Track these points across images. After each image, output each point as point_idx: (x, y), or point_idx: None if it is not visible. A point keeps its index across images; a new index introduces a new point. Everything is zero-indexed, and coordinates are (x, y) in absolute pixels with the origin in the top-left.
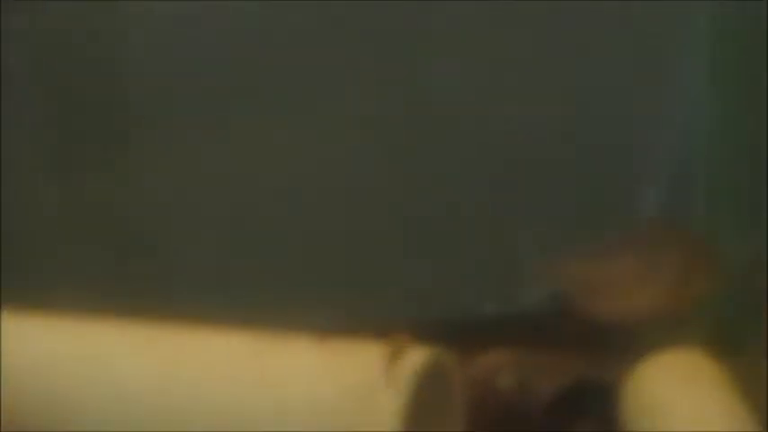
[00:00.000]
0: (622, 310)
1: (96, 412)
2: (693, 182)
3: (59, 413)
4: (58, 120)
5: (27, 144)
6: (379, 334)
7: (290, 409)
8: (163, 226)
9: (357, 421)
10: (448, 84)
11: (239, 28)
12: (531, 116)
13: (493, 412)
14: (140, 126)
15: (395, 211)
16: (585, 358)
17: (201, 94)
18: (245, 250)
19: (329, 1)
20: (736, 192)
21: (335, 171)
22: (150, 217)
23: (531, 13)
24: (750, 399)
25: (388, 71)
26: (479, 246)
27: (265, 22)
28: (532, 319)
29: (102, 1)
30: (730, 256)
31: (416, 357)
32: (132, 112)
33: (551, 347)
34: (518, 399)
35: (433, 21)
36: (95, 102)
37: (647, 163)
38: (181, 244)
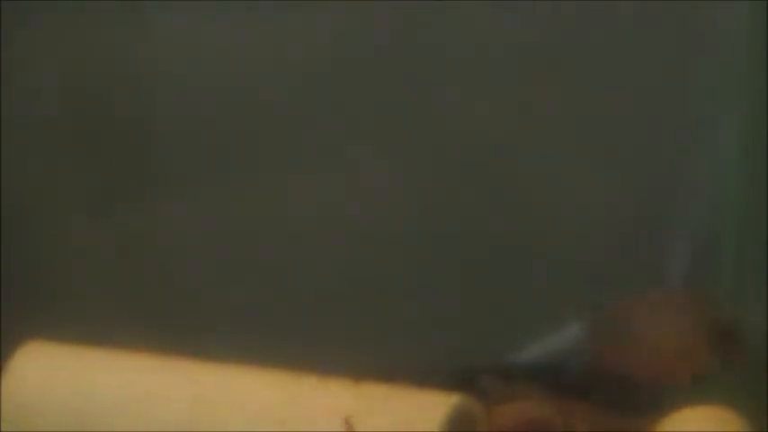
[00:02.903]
0: (647, 370)
1: None
2: (719, 253)
3: None
4: (87, 155)
5: (55, 178)
6: (409, 378)
7: None
8: (187, 263)
9: None
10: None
11: (268, 72)
12: (561, 176)
13: None
14: (167, 164)
15: (423, 258)
16: (612, 412)
17: (227, 137)
18: (266, 289)
19: (350, 46)
20: (761, 263)
21: (356, 215)
22: (175, 253)
23: (560, 74)
24: None
25: (399, 122)
26: (507, 298)
27: (292, 66)
28: (560, 371)
29: (132, 38)
30: (754, 327)
31: (448, 404)
32: (159, 152)
33: (578, 400)
34: None
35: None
36: (124, 138)
37: (674, 233)
38: (206, 282)
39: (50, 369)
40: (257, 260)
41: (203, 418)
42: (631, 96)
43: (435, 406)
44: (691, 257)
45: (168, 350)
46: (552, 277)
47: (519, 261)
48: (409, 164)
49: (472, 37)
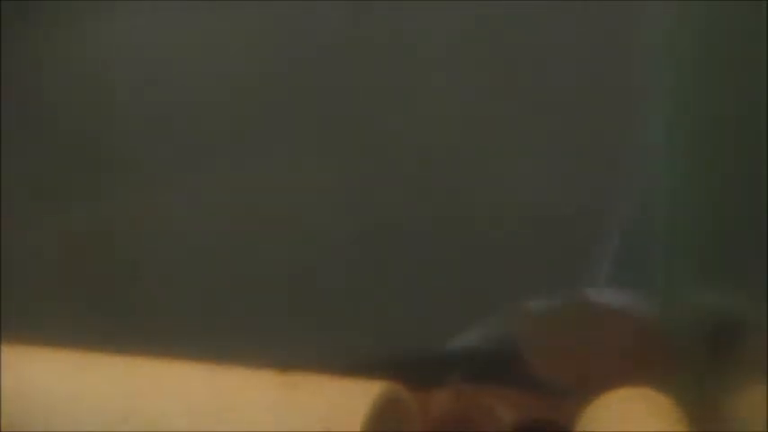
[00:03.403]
0: (568, 377)
1: None
2: (648, 250)
3: None
4: (43, 149)
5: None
6: (340, 368)
7: None
8: (148, 256)
9: None
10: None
11: (230, 65)
12: (501, 171)
13: None
14: (127, 157)
15: (360, 246)
16: (539, 398)
17: (190, 128)
18: (227, 285)
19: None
20: (690, 261)
21: (303, 212)
22: (134, 247)
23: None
24: None
25: (365, 120)
26: (443, 288)
27: (255, 60)
28: (487, 358)
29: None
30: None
31: (375, 391)
32: (119, 145)
33: (505, 387)
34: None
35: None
36: (82, 131)
37: (604, 230)
38: (165, 275)
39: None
40: (217, 252)
41: (136, 411)
42: (565, 93)
43: (361, 395)
44: (620, 253)
45: (125, 348)
46: (488, 269)
47: (457, 253)
48: (354, 159)
49: (412, 32)
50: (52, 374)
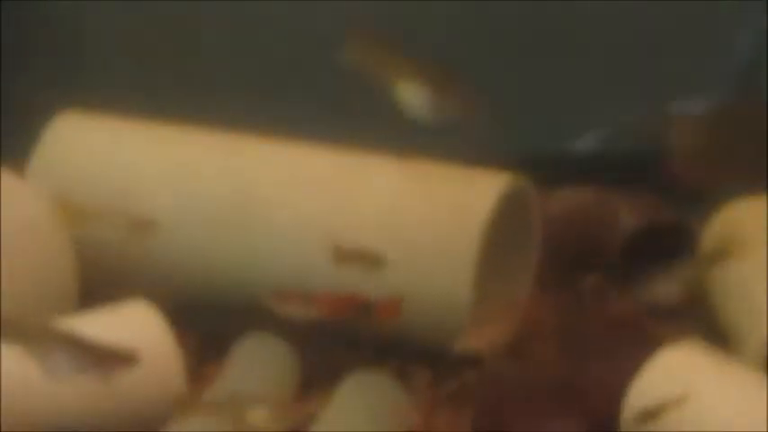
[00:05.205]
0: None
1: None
2: None
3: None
4: None
5: None
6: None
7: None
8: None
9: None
10: None
11: None
12: None
13: (575, 242)
14: None
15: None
16: (668, 203)
17: None
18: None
19: None
20: None
21: None
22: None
23: None
24: None
25: None
26: (564, 88)
27: None
28: (620, 160)
29: None
30: None
31: (500, 182)
32: None
33: (634, 189)
34: (600, 232)
35: None
36: None
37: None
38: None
39: (87, 142)
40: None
41: (246, 191)
42: None
43: (485, 185)
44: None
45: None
46: (609, 70)
47: (576, 55)
48: None
49: None
50: (155, 149)
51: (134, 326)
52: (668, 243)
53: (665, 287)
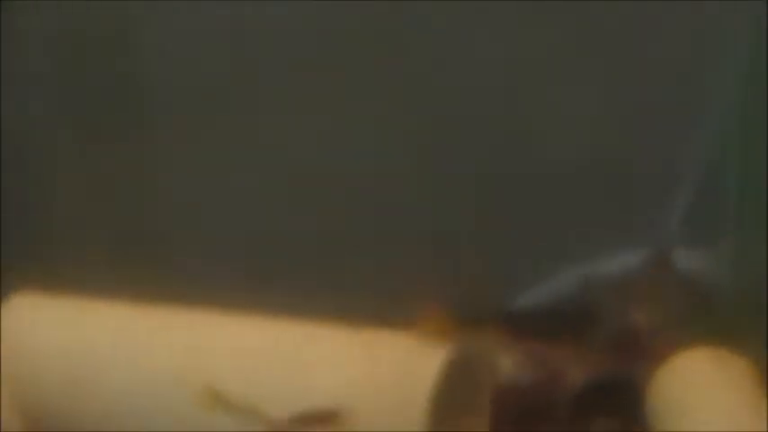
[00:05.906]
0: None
1: (117, 394)
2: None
3: (79, 396)
4: (73, 99)
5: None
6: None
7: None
8: (168, 212)
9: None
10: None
11: (252, 24)
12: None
13: (520, 402)
14: (153, 112)
15: (423, 200)
16: (613, 356)
17: (215, 85)
18: (261, 232)
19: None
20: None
21: (354, 157)
22: (156, 202)
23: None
24: None
25: (393, 70)
26: (512, 242)
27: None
28: (563, 315)
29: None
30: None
31: (445, 351)
32: (145, 100)
33: (580, 344)
34: (546, 389)
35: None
36: (111, 86)
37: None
38: (185, 231)
39: (41, 323)
40: (253, 200)
41: (198, 366)
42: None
43: (433, 353)
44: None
45: (161, 292)
46: (551, 221)
47: (519, 205)
48: (405, 103)
49: None
50: (108, 328)
51: None
52: (616, 399)
53: None
